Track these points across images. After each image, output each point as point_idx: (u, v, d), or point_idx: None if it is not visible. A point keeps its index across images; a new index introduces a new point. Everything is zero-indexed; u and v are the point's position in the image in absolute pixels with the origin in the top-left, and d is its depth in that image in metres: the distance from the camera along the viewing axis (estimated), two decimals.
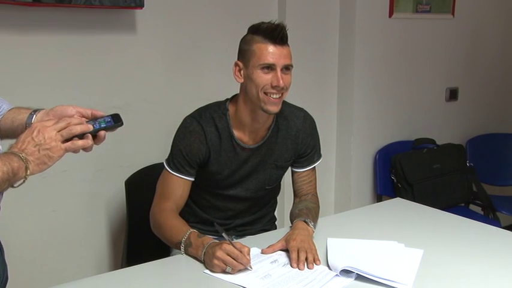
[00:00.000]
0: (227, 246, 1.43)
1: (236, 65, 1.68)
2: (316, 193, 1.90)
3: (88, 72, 2.13)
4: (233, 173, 1.76)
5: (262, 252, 1.57)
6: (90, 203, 2.26)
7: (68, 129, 1.15)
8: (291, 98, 1.77)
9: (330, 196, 2.97)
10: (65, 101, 1.29)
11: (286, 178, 1.93)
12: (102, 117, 1.22)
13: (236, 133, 1.73)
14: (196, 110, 1.77)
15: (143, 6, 2.13)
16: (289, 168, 1.88)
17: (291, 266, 1.48)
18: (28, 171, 1.09)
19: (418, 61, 3.06)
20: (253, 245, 1.56)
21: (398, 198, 2.28)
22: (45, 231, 2.15)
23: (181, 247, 1.54)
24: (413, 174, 2.86)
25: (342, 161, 2.93)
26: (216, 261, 1.42)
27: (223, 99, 1.77)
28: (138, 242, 2.05)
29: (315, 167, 1.89)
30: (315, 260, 1.50)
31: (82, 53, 2.11)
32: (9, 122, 1.27)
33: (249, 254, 1.45)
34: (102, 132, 1.20)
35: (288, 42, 1.64)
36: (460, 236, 1.74)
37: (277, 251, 1.57)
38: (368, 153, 2.96)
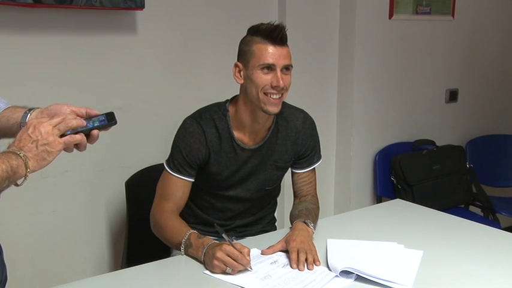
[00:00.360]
0: (227, 247, 1.43)
1: (236, 66, 1.68)
2: (316, 194, 1.90)
3: (88, 73, 2.14)
4: (233, 173, 1.76)
5: (262, 253, 1.57)
6: (91, 204, 2.26)
7: (64, 122, 1.14)
8: (291, 99, 1.77)
9: (329, 197, 2.98)
10: (64, 102, 1.29)
11: (286, 179, 1.93)
12: (96, 116, 1.22)
13: (236, 134, 1.73)
14: (196, 111, 1.77)
15: (144, 7, 2.13)
16: (289, 169, 1.88)
17: (291, 267, 1.48)
18: (28, 168, 1.09)
19: (418, 62, 3.06)
20: (253, 246, 1.56)
21: (398, 200, 2.28)
22: (45, 232, 2.15)
23: (182, 248, 1.54)
24: (413, 175, 2.87)
25: (341, 162, 2.94)
26: (216, 262, 1.42)
27: (223, 100, 1.78)
28: (138, 243, 2.05)
29: (314, 168, 1.89)
30: (315, 261, 1.50)
31: (82, 54, 2.11)
32: (4, 121, 1.27)
33: (249, 255, 1.45)
34: (95, 131, 1.19)
35: (288, 43, 1.64)
36: (460, 237, 1.74)
37: (277, 252, 1.57)
38: (368, 154, 2.96)
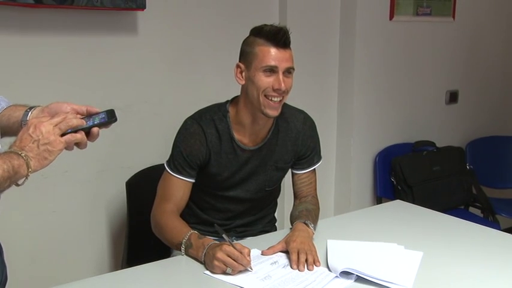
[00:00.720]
0: (227, 248, 1.43)
1: (238, 66, 1.68)
2: (316, 195, 1.91)
3: (89, 73, 2.14)
4: (233, 174, 1.76)
5: (262, 254, 1.57)
6: (91, 204, 2.26)
7: (65, 122, 1.14)
8: (291, 100, 1.77)
9: (329, 198, 2.98)
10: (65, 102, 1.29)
11: (286, 180, 1.94)
12: (96, 113, 1.22)
13: (236, 135, 1.73)
14: (196, 112, 1.77)
15: (145, 7, 2.14)
16: (290, 170, 1.89)
17: (291, 268, 1.49)
18: (30, 168, 1.09)
19: (418, 64, 3.07)
20: (254, 246, 1.56)
21: (398, 201, 2.28)
22: (45, 232, 2.15)
23: (182, 248, 1.55)
24: (413, 176, 2.87)
25: (342, 163, 2.94)
26: (216, 262, 1.42)
27: (224, 100, 1.78)
28: (139, 243, 2.06)
29: (315, 169, 1.89)
30: (315, 262, 1.50)
31: (83, 54, 2.11)
32: (5, 120, 1.27)
33: (249, 255, 1.45)
34: (95, 129, 1.19)
35: None
36: (460, 239, 1.74)
37: (277, 253, 1.57)
38: (368, 155, 2.96)
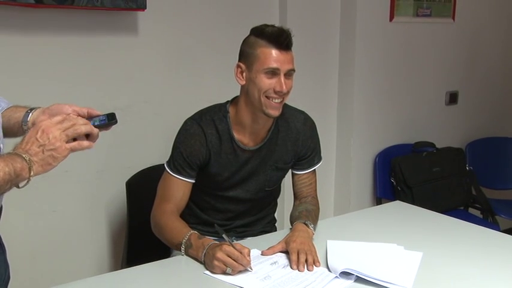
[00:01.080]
0: (227, 248, 1.43)
1: (238, 66, 1.68)
2: (316, 195, 1.91)
3: (89, 73, 2.14)
4: (233, 174, 1.76)
5: (262, 254, 1.57)
6: (91, 204, 2.26)
7: (73, 128, 1.13)
8: (291, 100, 1.77)
9: (329, 198, 2.98)
10: (66, 102, 1.29)
11: (286, 180, 1.94)
12: (97, 116, 1.22)
13: (236, 135, 1.73)
14: (197, 112, 1.78)
15: (145, 8, 2.14)
16: (290, 170, 1.89)
17: (291, 268, 1.49)
18: (32, 172, 1.08)
19: (418, 65, 3.07)
20: (253, 247, 1.56)
21: (397, 201, 2.29)
22: (45, 232, 2.15)
23: (182, 248, 1.55)
24: (412, 177, 2.87)
25: (341, 163, 2.94)
26: (216, 263, 1.42)
27: (224, 101, 1.78)
28: (139, 243, 2.06)
29: (315, 169, 1.89)
30: (315, 262, 1.50)
31: (83, 54, 2.11)
32: (6, 121, 1.27)
33: (249, 255, 1.45)
34: (95, 131, 1.19)
35: None
36: (459, 239, 1.74)
37: (277, 253, 1.58)
38: (368, 156, 2.96)
